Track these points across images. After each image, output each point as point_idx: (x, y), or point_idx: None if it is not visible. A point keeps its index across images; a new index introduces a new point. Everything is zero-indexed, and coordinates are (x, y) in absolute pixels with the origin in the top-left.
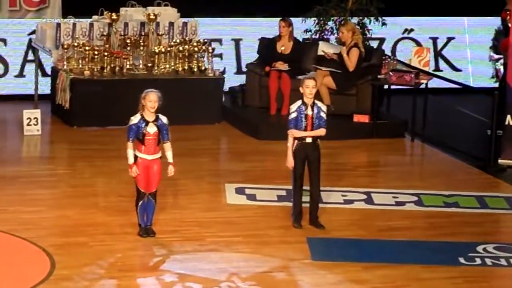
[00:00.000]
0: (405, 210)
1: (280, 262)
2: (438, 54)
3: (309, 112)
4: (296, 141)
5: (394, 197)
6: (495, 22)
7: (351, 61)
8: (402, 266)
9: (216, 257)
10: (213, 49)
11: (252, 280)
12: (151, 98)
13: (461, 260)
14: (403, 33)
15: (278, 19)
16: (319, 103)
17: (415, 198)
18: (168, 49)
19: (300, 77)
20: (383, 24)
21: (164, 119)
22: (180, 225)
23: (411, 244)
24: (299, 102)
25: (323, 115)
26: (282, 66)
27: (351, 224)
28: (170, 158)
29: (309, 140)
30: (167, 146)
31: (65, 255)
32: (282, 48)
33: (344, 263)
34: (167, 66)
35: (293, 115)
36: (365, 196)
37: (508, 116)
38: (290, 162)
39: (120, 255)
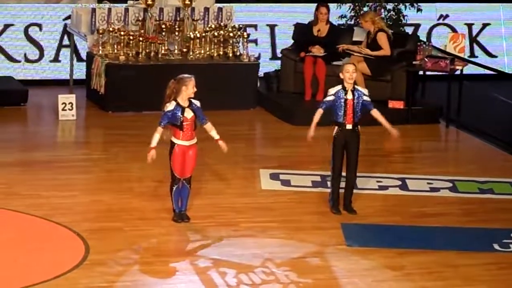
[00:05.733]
0: (439, 196)
1: (314, 247)
2: (473, 40)
3: (349, 96)
4: (336, 127)
5: (428, 183)
6: None
7: (383, 46)
8: (437, 253)
9: (250, 243)
10: (248, 35)
11: (286, 265)
12: (193, 84)
13: (496, 246)
14: (438, 19)
15: (314, 4)
16: (359, 88)
17: (450, 184)
18: (203, 34)
19: (335, 63)
20: (419, 10)
21: (197, 102)
22: (215, 211)
23: (446, 230)
24: (338, 87)
25: (367, 98)
26: (317, 51)
27: (385, 210)
28: (216, 135)
29: (349, 126)
30: (209, 126)
31: (99, 240)
32: (318, 31)
33: (378, 249)
34: (202, 51)
35: (328, 98)
36: (399, 182)
37: None
38: (311, 134)
39: (154, 240)
